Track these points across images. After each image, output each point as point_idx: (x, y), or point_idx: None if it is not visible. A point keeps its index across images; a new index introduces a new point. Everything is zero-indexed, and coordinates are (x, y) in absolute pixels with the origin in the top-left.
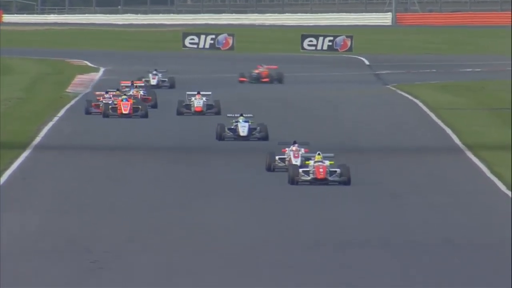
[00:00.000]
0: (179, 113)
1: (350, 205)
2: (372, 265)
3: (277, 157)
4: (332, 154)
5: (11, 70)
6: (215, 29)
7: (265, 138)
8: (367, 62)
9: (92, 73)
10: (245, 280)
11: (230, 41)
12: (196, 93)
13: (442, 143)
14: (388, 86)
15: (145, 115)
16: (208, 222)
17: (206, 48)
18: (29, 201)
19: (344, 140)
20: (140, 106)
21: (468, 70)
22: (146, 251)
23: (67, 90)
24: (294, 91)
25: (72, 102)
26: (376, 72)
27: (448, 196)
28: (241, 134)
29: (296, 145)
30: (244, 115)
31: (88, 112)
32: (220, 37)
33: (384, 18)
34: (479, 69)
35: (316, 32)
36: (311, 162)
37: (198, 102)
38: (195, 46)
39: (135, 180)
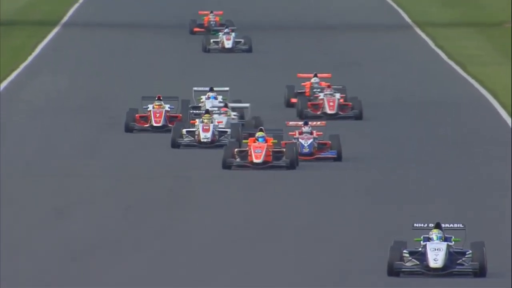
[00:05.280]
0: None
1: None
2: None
3: None
4: None
5: None
6: None
7: None
8: None
9: None
10: None
11: None
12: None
13: (396, 21)
14: None
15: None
16: None
17: None
18: (59, 67)
19: (319, 19)
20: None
21: None
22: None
23: None
24: None
25: None
26: None
27: (399, 64)
28: None
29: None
30: None
31: (128, 129)
32: None
33: None
34: None
35: None
36: None
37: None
38: None
39: (144, 50)
